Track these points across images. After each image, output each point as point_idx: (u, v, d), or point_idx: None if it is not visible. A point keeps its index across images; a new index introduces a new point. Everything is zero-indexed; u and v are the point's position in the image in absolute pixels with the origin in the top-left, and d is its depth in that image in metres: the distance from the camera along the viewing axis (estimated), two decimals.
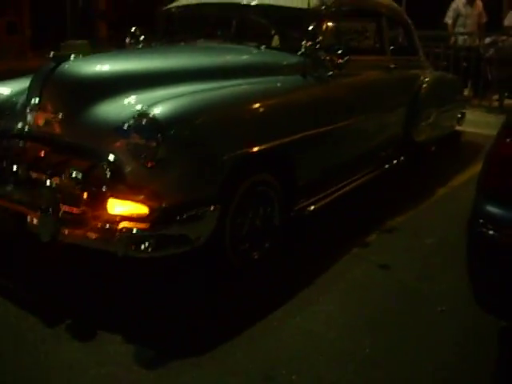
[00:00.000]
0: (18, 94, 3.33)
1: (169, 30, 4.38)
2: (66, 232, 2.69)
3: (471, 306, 2.78)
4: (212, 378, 2.27)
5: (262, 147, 2.99)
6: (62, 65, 2.97)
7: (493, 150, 2.22)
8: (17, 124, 3.12)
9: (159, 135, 2.54)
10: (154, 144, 2.54)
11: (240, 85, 3.14)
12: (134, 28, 4.23)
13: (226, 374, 2.29)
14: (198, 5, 4.25)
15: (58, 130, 2.90)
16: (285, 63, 3.52)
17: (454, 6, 8.81)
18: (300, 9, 3.67)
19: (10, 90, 3.44)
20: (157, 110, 2.60)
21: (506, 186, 2.10)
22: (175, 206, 2.63)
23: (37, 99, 2.99)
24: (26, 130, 3.05)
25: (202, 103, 2.83)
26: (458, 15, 8.73)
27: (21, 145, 3.06)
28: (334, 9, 3.82)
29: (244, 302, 2.86)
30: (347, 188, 3.94)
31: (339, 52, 3.59)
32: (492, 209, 2.11)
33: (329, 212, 3.74)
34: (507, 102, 7.89)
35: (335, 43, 3.70)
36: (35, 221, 2.77)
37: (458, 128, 6.29)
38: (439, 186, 4.79)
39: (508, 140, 2.17)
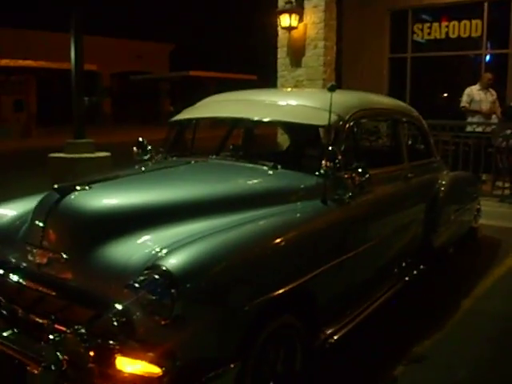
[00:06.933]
0: (20, 218, 3.15)
1: (178, 141, 4.22)
2: None
3: None
4: None
5: (285, 289, 2.74)
6: (67, 198, 2.78)
7: None
8: (16, 256, 2.92)
9: (174, 291, 2.30)
10: (169, 301, 2.30)
11: (257, 219, 2.92)
12: (140, 138, 4.09)
13: None
14: (208, 118, 4.12)
15: (60, 272, 2.69)
16: (303, 186, 3.32)
17: (468, 91, 8.70)
18: (317, 125, 3.51)
19: (13, 212, 3.26)
20: (169, 262, 2.37)
21: None
22: (191, 366, 2.36)
23: (38, 235, 2.78)
24: (25, 266, 2.85)
25: (218, 248, 2.57)
26: (471, 100, 8.62)
27: (19, 282, 2.83)
28: (352, 123, 3.66)
29: None
30: (369, 309, 3.66)
31: (360, 170, 3.40)
32: None
33: (350, 341, 3.44)
34: None
35: (355, 160, 3.53)
36: (36, 373, 2.52)
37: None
38: (462, 297, 4.53)
39: None
